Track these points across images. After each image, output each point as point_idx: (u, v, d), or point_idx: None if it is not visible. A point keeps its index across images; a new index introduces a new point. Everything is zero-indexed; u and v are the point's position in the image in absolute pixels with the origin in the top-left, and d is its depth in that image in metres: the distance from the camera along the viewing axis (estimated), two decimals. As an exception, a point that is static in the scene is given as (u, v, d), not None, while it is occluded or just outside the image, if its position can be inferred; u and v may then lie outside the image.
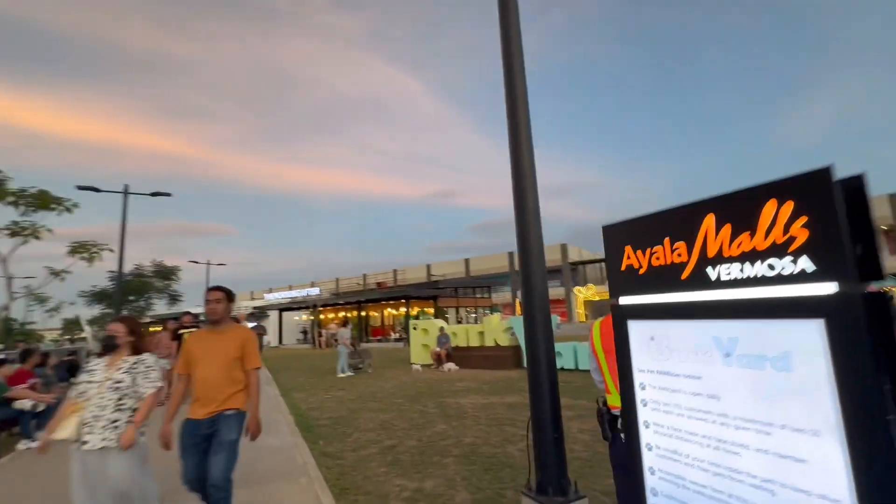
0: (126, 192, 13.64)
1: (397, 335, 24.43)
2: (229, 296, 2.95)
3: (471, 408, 6.67)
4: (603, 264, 48.59)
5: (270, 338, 31.13)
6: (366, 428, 5.66)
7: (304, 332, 30.70)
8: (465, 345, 12.74)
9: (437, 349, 12.20)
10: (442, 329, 12.53)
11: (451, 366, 11.40)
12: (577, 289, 53.79)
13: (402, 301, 25.27)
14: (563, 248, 57.08)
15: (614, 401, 2.08)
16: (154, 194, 14.18)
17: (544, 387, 2.80)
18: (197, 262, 29.39)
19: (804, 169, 0.98)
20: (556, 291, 56.87)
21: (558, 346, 10.65)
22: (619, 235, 1.45)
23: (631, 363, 1.38)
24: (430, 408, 6.79)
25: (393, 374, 11.41)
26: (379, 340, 25.43)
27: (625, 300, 1.45)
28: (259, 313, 34.67)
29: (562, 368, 10.57)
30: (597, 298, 53.46)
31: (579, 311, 53.66)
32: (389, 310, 26.38)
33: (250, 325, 11.79)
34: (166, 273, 20.27)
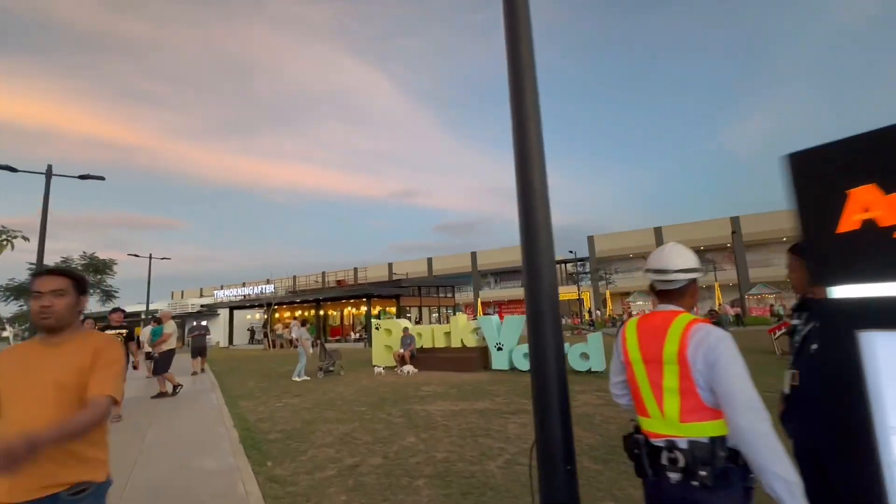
0: (49, 174, 12.05)
1: (357, 335, 23.51)
2: (79, 286, 1.74)
3: (440, 416, 6.13)
4: (563, 266, 49.47)
5: (220, 338, 29.21)
6: (323, 443, 4.97)
7: (252, 331, 29.01)
8: (430, 346, 12.19)
9: (401, 350, 11.57)
10: (406, 329, 11.92)
11: (409, 368, 10.79)
12: (537, 289, 54.48)
13: (363, 300, 24.36)
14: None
15: (654, 427, 1.60)
16: (83, 177, 12.62)
17: (554, 406, 2.27)
18: (137, 256, 27.07)
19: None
20: (517, 292, 57.49)
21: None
22: (834, 168, 0.79)
23: (870, 406, 0.74)
24: (395, 416, 6.18)
25: (353, 377, 10.67)
26: (338, 340, 24.39)
27: (852, 291, 0.76)
28: (207, 312, 32.50)
29: (512, 369, 10.25)
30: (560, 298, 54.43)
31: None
32: (350, 308, 25.37)
33: (191, 323, 10.75)
34: (99, 267, 18.32)
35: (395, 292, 24.07)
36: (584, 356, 9.85)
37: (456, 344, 11.69)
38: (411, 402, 7.20)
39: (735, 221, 44.31)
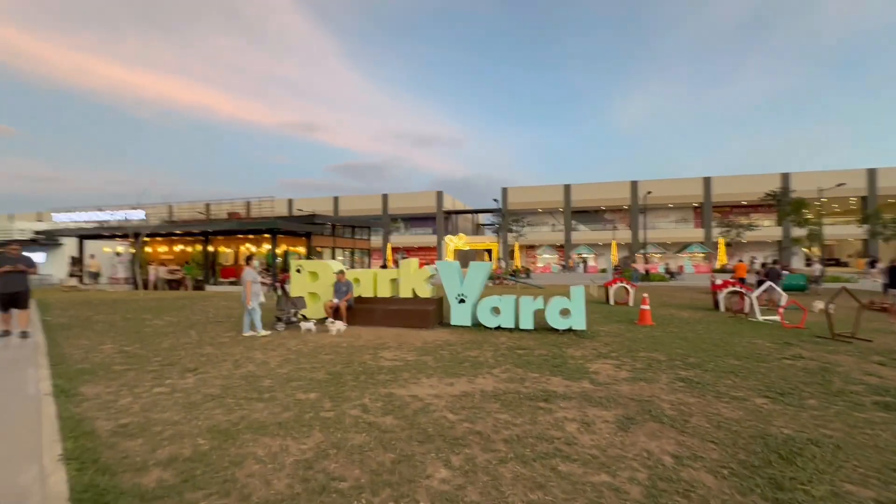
0: None
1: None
2: None
3: (446, 409, 3.95)
4: (475, 216, 49.64)
5: (62, 275, 22.75)
6: (263, 499, 2.48)
7: (74, 262, 22.97)
8: (370, 295, 9.72)
9: (334, 300, 8.94)
10: (341, 273, 9.23)
11: (339, 325, 8.25)
12: (448, 237, 53.67)
13: (267, 236, 20.42)
14: (439, 196, 55.96)
15: None
16: None
17: None
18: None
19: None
20: (427, 239, 56.21)
21: (494, 300, 8.44)
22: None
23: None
24: (375, 413, 3.85)
25: (272, 336, 7.86)
26: (232, 283, 20.34)
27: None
28: (45, 240, 25.14)
29: (500, 327, 8.51)
30: (466, 248, 54.51)
31: (449, 259, 54.04)
32: (249, 246, 21.18)
33: None
34: None
35: (307, 229, 20.51)
36: (564, 313, 8.37)
37: (405, 294, 9.41)
38: (382, 380, 4.87)
39: (633, 186, 47.32)
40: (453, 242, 53.93)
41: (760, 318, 9.64)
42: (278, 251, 20.74)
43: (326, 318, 9.13)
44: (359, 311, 9.15)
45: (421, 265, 9.76)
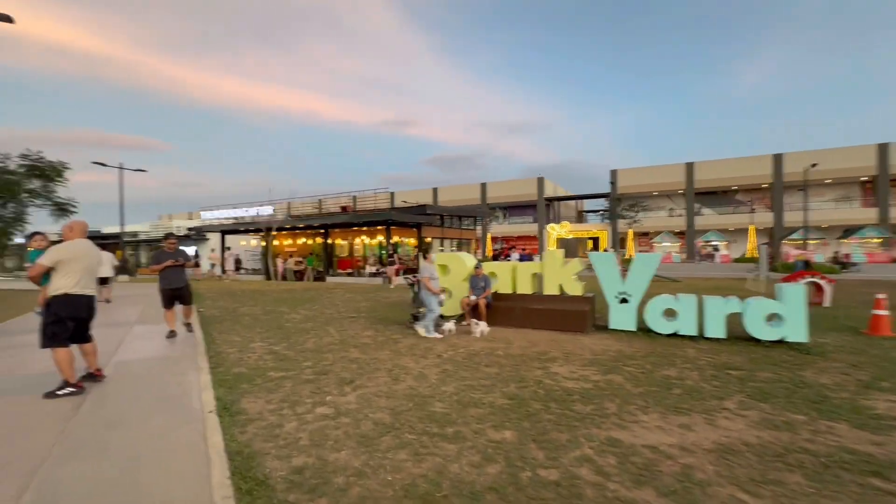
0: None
1: (374, 269, 20.02)
2: None
3: (721, 477, 2.62)
4: (578, 203, 46.20)
5: (208, 267, 25.58)
6: None
7: (237, 260, 25.21)
8: (507, 291, 8.63)
9: (471, 297, 8.01)
10: (478, 266, 8.26)
11: (482, 327, 7.23)
12: (550, 226, 50.95)
13: (380, 228, 20.60)
14: (540, 183, 53.33)
15: None
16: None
17: None
18: (104, 165, 22.53)
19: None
20: (528, 228, 54.08)
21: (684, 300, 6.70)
22: None
23: None
24: (616, 476, 2.66)
25: (403, 336, 7.17)
26: (349, 274, 20.95)
27: None
28: (196, 236, 28.60)
29: (677, 334, 6.83)
30: (570, 236, 51.34)
31: (550, 248, 51.39)
32: (364, 238, 21.65)
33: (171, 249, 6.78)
34: (46, 171, 13.99)
35: (418, 220, 20.26)
36: (771, 318, 6.41)
37: (550, 290, 8.14)
38: (584, 413, 3.69)
39: (776, 160, 40.00)
40: (556, 231, 51.19)
41: None
42: (384, 241, 20.84)
43: (460, 315, 8.26)
44: (495, 309, 8.11)
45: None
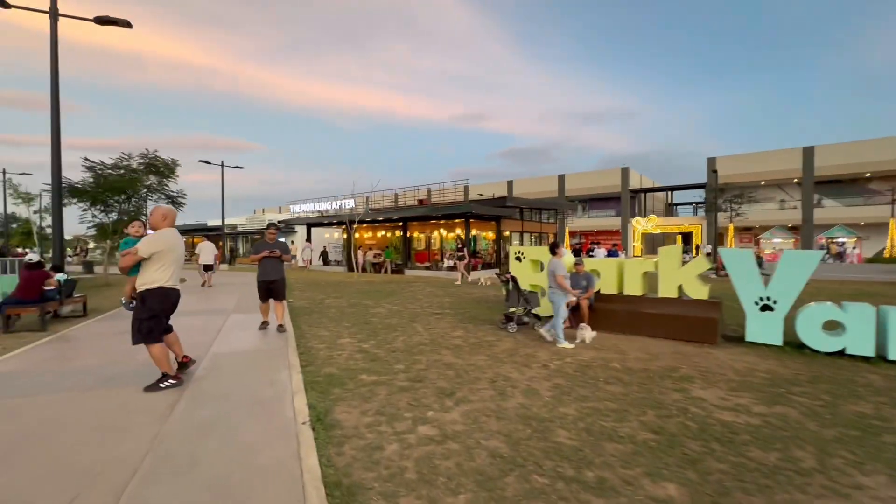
0: (55, 15, 8.27)
1: (452, 263, 19.66)
2: None
3: None
4: (669, 194, 41.77)
5: (296, 259, 26.99)
6: None
7: (325, 253, 26.14)
8: (613, 292, 7.60)
9: (576, 296, 7.11)
10: (579, 262, 7.33)
11: (587, 332, 6.26)
12: (635, 220, 47.25)
13: (458, 221, 20.14)
14: (624, 173, 49.71)
15: None
16: (101, 20, 8.69)
17: None
18: (209, 163, 24.62)
19: None
20: (609, 222, 50.75)
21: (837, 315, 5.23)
22: None
23: None
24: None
25: (497, 339, 6.49)
26: (427, 268, 20.79)
27: None
28: (286, 228, 30.41)
29: (843, 353, 5.40)
30: (657, 231, 47.29)
31: (635, 244, 47.64)
32: (442, 231, 21.38)
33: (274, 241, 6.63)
34: (160, 168, 15.41)
35: (497, 213, 19.48)
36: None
37: (666, 292, 6.99)
38: (761, 463, 2.75)
39: (928, 139, 33.16)
40: (641, 225, 47.43)
41: None
42: (461, 235, 20.33)
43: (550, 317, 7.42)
44: (597, 311, 7.13)
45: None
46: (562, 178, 54.01)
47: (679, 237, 47.50)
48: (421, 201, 29.15)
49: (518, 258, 8.51)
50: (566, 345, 5.90)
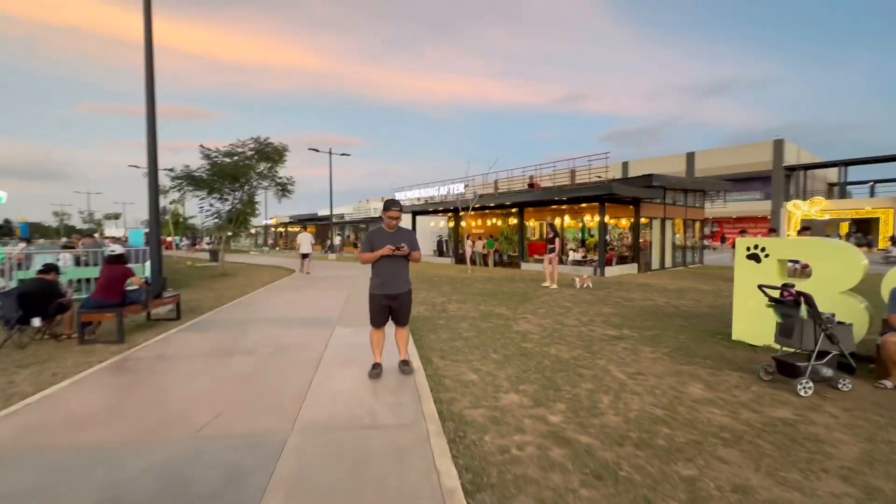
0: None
1: (581, 255, 16.50)
2: None
3: None
4: (840, 170, 32.04)
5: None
6: None
7: (440, 243, 24.45)
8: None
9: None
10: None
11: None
12: (793, 202, 38.29)
13: (585, 206, 16.87)
14: (777, 147, 40.81)
15: None
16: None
17: None
18: (317, 151, 24.41)
19: None
20: (754, 206, 42.22)
21: None
22: None
23: None
24: None
25: (773, 402, 3.53)
26: (539, 262, 17.88)
27: None
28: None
29: None
30: (823, 216, 38.02)
31: (790, 234, 38.73)
32: (566, 217, 18.29)
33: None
34: (270, 154, 14.76)
35: (639, 194, 15.79)
36: None
37: None
38: None
39: None
40: (800, 209, 38.41)
41: None
42: (591, 221, 16.93)
43: (865, 359, 4.14)
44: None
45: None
46: (691, 156, 46.36)
47: (845, 225, 37.68)
48: (531, 185, 26.10)
49: (754, 255, 5.33)
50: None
